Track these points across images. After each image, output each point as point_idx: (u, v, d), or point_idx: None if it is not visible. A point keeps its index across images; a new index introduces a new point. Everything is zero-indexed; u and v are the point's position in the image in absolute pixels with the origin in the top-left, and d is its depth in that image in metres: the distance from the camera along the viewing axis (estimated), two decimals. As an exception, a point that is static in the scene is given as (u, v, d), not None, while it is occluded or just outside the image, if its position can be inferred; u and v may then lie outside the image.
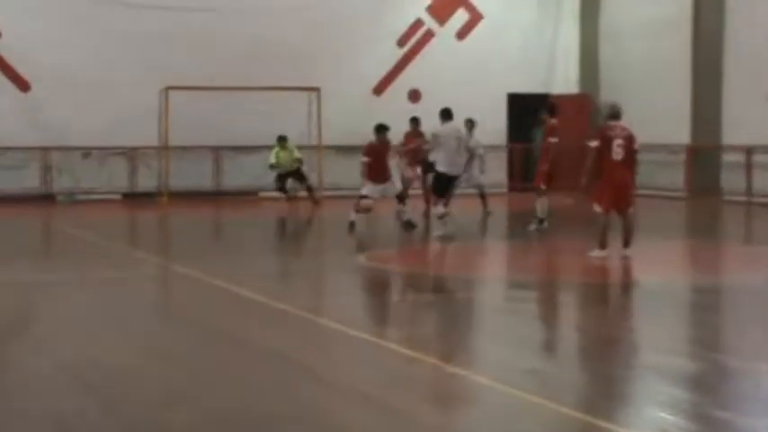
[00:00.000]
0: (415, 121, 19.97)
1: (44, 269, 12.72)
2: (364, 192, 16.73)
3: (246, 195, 22.82)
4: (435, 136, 15.66)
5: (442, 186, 15.53)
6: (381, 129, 17.35)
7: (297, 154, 22.79)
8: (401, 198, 16.98)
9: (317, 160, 24.21)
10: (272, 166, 22.61)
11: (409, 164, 19.36)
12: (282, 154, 22.59)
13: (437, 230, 15.29)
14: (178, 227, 19.71)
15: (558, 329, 9.17)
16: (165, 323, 9.50)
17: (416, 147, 18.64)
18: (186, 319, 9.51)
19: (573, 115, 26.31)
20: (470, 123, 19.78)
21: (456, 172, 15.57)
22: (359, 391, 6.61)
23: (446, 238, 14.96)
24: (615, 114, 12.92)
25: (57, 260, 14.11)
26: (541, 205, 16.19)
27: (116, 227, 19.24)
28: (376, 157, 16.92)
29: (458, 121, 16.64)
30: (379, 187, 16.79)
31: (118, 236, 17.16)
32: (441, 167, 15.44)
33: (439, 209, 15.43)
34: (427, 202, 19.66)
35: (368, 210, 16.62)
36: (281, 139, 22.69)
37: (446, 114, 15.75)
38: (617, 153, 12.62)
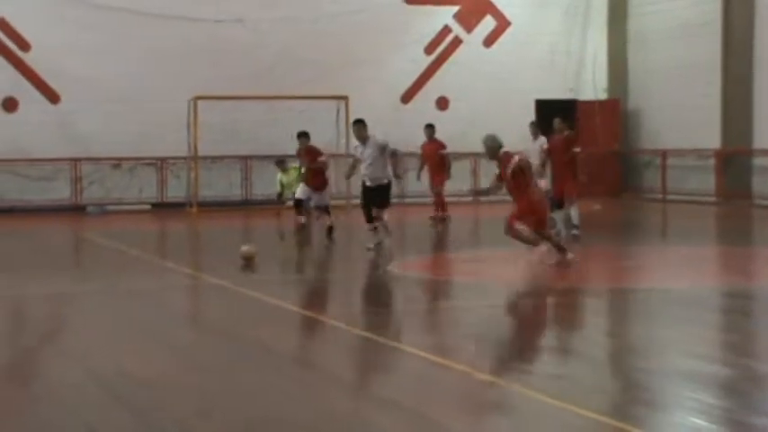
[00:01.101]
0: (305, 136, 17.69)
1: (74, 279, 12.79)
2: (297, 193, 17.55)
3: (275, 205, 22.86)
4: (354, 157, 15.41)
5: (365, 197, 15.09)
6: (299, 135, 17.53)
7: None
8: (325, 210, 17.14)
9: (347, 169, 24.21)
10: (280, 195, 22.20)
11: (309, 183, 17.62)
12: (286, 178, 22.21)
13: (369, 242, 14.87)
14: (207, 237, 19.77)
15: (587, 335, 9.11)
16: (195, 333, 9.53)
17: (316, 166, 17.34)
18: (216, 329, 9.53)
19: (601, 121, 26.25)
20: (533, 126, 19.76)
21: (377, 183, 14.94)
22: (389, 398, 6.59)
23: (378, 247, 14.68)
24: (500, 144, 12.89)
25: (87, 270, 14.18)
26: (575, 213, 16.08)
27: (146, 237, 19.33)
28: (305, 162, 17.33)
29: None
30: (308, 191, 17.26)
31: (148, 246, 17.23)
32: (365, 180, 15.16)
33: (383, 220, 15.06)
34: (443, 209, 19.64)
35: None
36: (280, 163, 22.17)
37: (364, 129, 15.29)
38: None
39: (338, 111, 23.97)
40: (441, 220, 19.58)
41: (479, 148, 27.82)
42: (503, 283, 12.32)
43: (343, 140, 23.99)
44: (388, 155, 14.96)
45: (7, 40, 23.75)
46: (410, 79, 26.26)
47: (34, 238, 18.82)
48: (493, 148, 12.89)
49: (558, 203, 16.16)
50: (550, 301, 11.02)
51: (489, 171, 25.89)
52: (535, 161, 19.60)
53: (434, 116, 24.75)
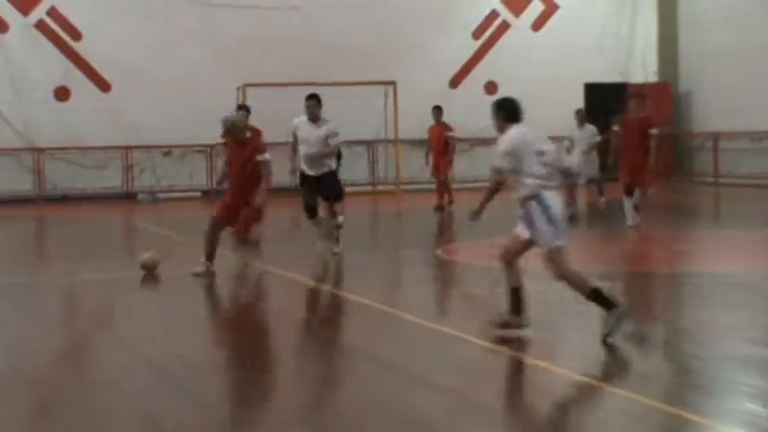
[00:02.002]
0: (244, 109, 15.73)
1: (126, 266, 12.90)
2: None
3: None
4: (293, 137, 13.24)
5: (309, 189, 12.94)
6: (239, 109, 15.20)
7: None
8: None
9: (395, 154, 24.24)
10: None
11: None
12: None
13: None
14: (257, 223, 19.89)
15: (640, 320, 9.02)
16: (246, 320, 9.58)
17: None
18: (267, 315, 9.58)
19: (652, 104, 25.93)
20: (579, 114, 19.53)
21: (320, 171, 12.83)
22: (439, 384, 6.59)
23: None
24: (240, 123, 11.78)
25: (139, 257, 14.31)
26: (638, 196, 15.19)
27: (197, 224, 19.42)
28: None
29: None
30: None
31: (199, 233, 17.32)
32: (305, 169, 12.99)
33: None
34: (450, 196, 19.18)
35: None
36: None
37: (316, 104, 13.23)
38: None
39: (386, 96, 23.95)
40: (441, 208, 18.97)
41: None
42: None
43: (391, 127, 24.03)
44: (332, 145, 12.86)
45: (59, 29, 24.02)
46: (458, 64, 26.17)
47: (87, 226, 19.04)
48: (241, 128, 11.58)
49: (628, 191, 15.11)
50: (602, 286, 10.91)
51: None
52: (580, 149, 19.48)
53: (483, 101, 24.44)
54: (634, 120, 15.35)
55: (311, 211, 12.92)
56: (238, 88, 23.19)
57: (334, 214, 12.94)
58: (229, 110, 23.29)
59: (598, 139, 19.43)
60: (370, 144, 25.30)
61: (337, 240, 12.85)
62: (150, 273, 11.38)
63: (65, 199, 23.58)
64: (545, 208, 7.52)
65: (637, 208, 15.07)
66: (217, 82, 23.70)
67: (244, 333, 8.73)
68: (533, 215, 7.54)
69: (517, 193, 7.63)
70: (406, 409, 6.05)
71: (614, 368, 6.87)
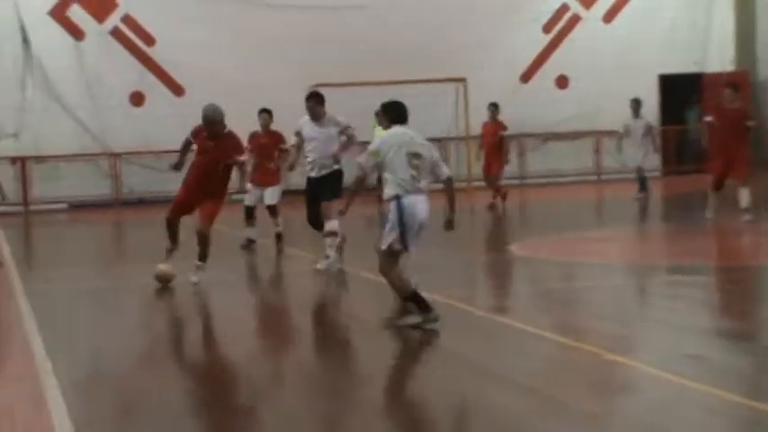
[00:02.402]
0: (266, 113, 15.63)
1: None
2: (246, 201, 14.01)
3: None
4: (298, 133, 12.35)
5: (312, 193, 11.92)
6: (261, 112, 15.07)
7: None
8: (273, 211, 14.70)
9: (466, 152, 24.14)
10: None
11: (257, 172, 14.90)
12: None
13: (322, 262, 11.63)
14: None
15: (719, 314, 8.86)
16: (321, 318, 9.61)
17: (266, 145, 15.11)
18: (340, 314, 9.60)
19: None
20: (635, 104, 19.24)
21: (326, 170, 11.85)
22: (517, 380, 6.54)
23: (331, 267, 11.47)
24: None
25: (213, 259, 14.44)
26: (745, 195, 14.48)
27: (269, 225, 19.59)
28: (258, 151, 14.60)
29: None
30: (258, 191, 14.53)
31: (271, 234, 17.48)
32: (311, 171, 11.99)
33: (331, 224, 11.54)
34: (500, 194, 18.94)
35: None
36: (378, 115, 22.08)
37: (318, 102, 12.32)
38: None
39: (457, 93, 23.86)
40: (494, 205, 18.86)
41: (601, 126, 27.35)
42: (626, 262, 12.08)
43: (462, 124, 23.92)
44: (345, 138, 12.12)
45: (133, 35, 24.39)
46: (529, 59, 25.97)
47: (163, 229, 19.24)
48: (221, 123, 10.97)
49: (718, 184, 14.51)
50: (678, 279, 10.74)
51: (612, 149, 25.66)
52: (635, 141, 19.14)
53: (554, 95, 24.54)
54: (729, 110, 14.57)
55: (317, 222, 11.91)
56: (309, 88, 23.27)
57: (326, 217, 11.64)
58: (300, 109, 23.58)
59: (656, 130, 19.09)
60: (440, 142, 25.20)
61: (339, 250, 11.68)
62: (165, 285, 11.01)
63: (141, 202, 23.92)
64: (401, 213, 7.89)
65: (748, 210, 14.31)
66: (286, 84, 23.82)
67: (320, 332, 8.75)
68: (388, 215, 7.99)
69: (384, 192, 8.03)
70: (486, 405, 6.00)
71: (694, 363, 6.74)
